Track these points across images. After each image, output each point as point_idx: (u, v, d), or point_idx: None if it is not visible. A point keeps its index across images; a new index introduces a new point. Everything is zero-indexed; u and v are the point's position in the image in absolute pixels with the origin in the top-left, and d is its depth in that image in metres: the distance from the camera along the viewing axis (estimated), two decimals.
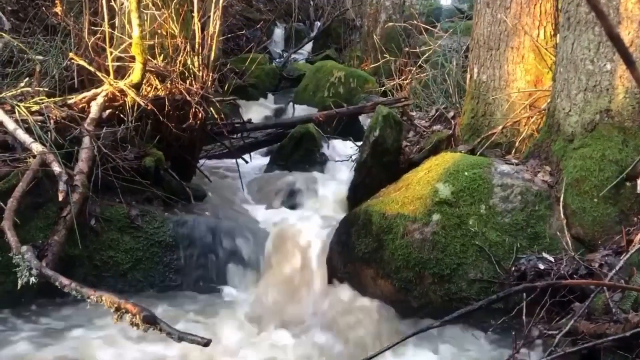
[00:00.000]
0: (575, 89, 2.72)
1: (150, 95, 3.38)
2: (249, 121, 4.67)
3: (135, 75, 3.26)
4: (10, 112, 2.93)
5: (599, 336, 2.01)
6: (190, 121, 3.52)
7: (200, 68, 3.51)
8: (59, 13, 4.06)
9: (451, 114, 4.16)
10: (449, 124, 4.02)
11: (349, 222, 2.94)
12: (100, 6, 3.51)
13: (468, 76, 3.79)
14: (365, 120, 5.25)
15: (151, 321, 1.97)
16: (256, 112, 6.08)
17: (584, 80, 2.68)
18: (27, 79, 3.50)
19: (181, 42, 3.45)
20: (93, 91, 3.29)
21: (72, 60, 3.44)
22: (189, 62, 3.48)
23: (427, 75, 5.03)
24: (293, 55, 9.06)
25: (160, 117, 3.32)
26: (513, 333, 2.32)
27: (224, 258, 3.05)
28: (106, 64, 3.34)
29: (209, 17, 3.58)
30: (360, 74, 6.60)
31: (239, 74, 5.79)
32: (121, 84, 3.25)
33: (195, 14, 3.49)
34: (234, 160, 4.14)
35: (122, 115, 3.29)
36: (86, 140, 2.94)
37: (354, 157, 4.24)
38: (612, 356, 1.98)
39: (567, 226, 2.57)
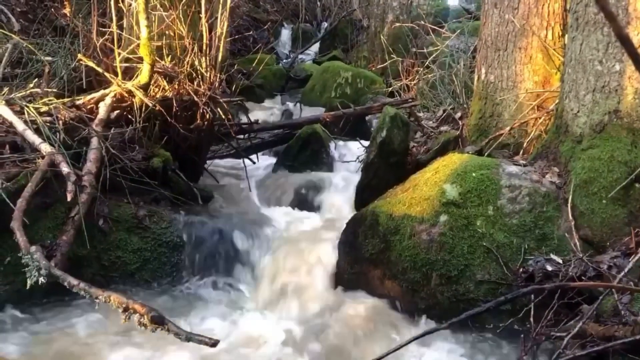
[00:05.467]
0: (583, 90, 2.70)
1: (158, 96, 3.39)
2: (256, 122, 4.68)
3: (143, 76, 3.28)
4: (20, 113, 2.95)
5: (608, 339, 2.00)
6: (198, 122, 3.53)
7: (208, 69, 3.52)
8: (68, 14, 4.09)
9: (458, 114, 4.15)
10: (457, 125, 4.01)
11: (356, 223, 2.94)
12: (109, 7, 3.53)
13: (476, 77, 3.78)
14: (372, 120, 5.24)
15: (159, 321, 1.97)
16: (263, 112, 6.09)
17: (593, 81, 2.66)
18: (36, 79, 3.53)
19: (189, 43, 3.47)
20: (101, 92, 3.31)
21: (81, 61, 3.46)
22: (196, 63, 3.49)
23: (434, 75, 5.02)
24: (300, 56, 9.06)
25: (168, 118, 3.33)
26: (521, 335, 2.31)
27: (231, 258, 3.06)
28: (114, 65, 3.36)
29: (217, 18, 3.59)
30: (367, 75, 6.60)
31: (246, 74, 5.80)
32: (129, 84, 3.27)
33: (202, 15, 3.50)
34: (241, 161, 4.14)
35: (130, 116, 3.30)
36: (94, 141, 2.96)
37: (361, 158, 4.24)
38: (622, 359, 1.97)
39: (575, 227, 2.56)
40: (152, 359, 2.34)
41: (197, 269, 3.02)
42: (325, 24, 10.02)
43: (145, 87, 3.30)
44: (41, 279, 2.24)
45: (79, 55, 3.44)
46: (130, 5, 3.57)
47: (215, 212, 3.43)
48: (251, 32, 8.33)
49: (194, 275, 3.01)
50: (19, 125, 2.85)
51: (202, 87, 3.49)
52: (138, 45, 3.26)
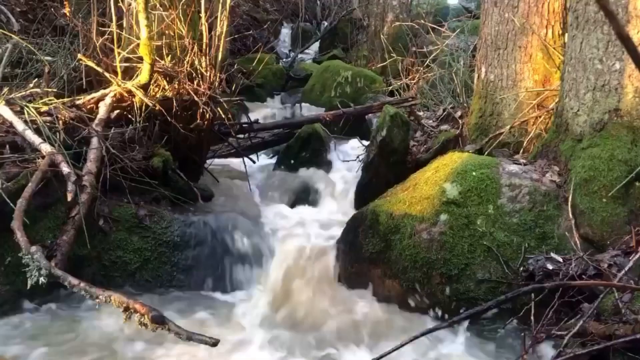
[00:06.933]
0: (583, 89, 2.70)
1: (158, 95, 3.39)
2: (256, 121, 4.68)
3: (143, 76, 3.28)
4: (20, 113, 2.94)
5: (609, 337, 2.00)
6: (198, 121, 3.53)
7: (208, 68, 3.51)
8: (67, 14, 4.08)
9: (459, 113, 4.15)
10: (457, 124, 4.01)
11: (356, 222, 2.94)
12: (108, 7, 3.53)
13: (476, 76, 3.78)
14: (372, 120, 5.24)
15: (159, 321, 1.97)
16: (263, 112, 6.09)
17: (593, 80, 2.66)
18: (36, 79, 3.52)
19: (189, 43, 3.46)
20: (101, 92, 3.31)
21: (81, 61, 3.45)
22: (196, 62, 3.49)
23: (434, 74, 5.02)
24: (300, 55, 9.04)
25: (168, 118, 3.33)
26: (522, 334, 2.31)
27: (231, 258, 3.06)
28: (114, 64, 3.36)
29: (216, 17, 3.58)
30: (367, 74, 6.59)
31: (246, 74, 5.79)
32: (129, 84, 3.27)
33: (202, 14, 3.49)
34: (241, 160, 4.14)
35: (130, 116, 3.30)
36: (94, 141, 2.96)
37: (361, 157, 4.24)
38: (622, 357, 1.97)
39: (575, 226, 2.56)
40: None
41: (198, 269, 3.02)
42: (325, 23, 10.00)
43: (145, 87, 3.30)
44: (42, 279, 2.24)
45: (79, 55, 3.43)
46: (130, 4, 3.57)
47: (216, 211, 3.43)
48: (251, 32, 8.32)
49: (194, 275, 3.01)
50: (19, 125, 2.85)
51: (202, 86, 3.49)
52: (138, 44, 3.25)
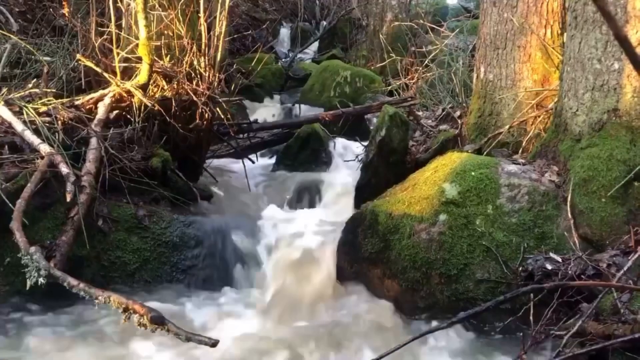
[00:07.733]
0: (582, 88, 2.70)
1: (157, 96, 3.39)
2: (255, 121, 4.69)
3: (142, 76, 3.28)
4: (19, 113, 2.95)
5: (607, 337, 2.00)
6: (197, 121, 3.53)
7: (207, 68, 3.51)
8: (66, 14, 4.08)
9: (458, 113, 4.15)
10: (456, 124, 4.01)
11: (356, 222, 2.94)
12: (107, 7, 3.53)
13: (475, 75, 3.78)
14: (371, 119, 5.24)
15: (159, 322, 1.98)
16: (262, 112, 6.09)
17: (592, 80, 2.66)
18: (34, 80, 3.53)
19: (188, 43, 3.46)
20: (100, 92, 3.31)
21: (80, 61, 3.46)
22: (195, 62, 3.49)
23: (433, 74, 5.02)
24: (299, 55, 9.04)
25: (167, 118, 3.33)
26: (520, 334, 2.32)
27: (231, 258, 3.06)
28: (113, 64, 3.36)
29: (215, 17, 3.59)
30: (366, 74, 6.59)
31: (245, 74, 5.79)
32: (128, 84, 3.27)
33: (201, 14, 3.49)
34: (240, 160, 4.14)
35: (129, 116, 3.30)
36: (93, 141, 2.96)
37: (360, 157, 4.24)
38: (621, 357, 1.97)
39: (574, 226, 2.56)
40: None
41: (197, 269, 3.02)
42: (324, 23, 10.01)
43: (144, 87, 3.30)
44: (41, 280, 2.24)
45: (78, 55, 3.43)
46: (129, 5, 3.56)
47: (215, 211, 3.43)
48: (250, 32, 8.32)
49: (193, 275, 3.01)
50: (18, 126, 2.85)
51: (201, 86, 3.49)
52: (137, 45, 3.25)
